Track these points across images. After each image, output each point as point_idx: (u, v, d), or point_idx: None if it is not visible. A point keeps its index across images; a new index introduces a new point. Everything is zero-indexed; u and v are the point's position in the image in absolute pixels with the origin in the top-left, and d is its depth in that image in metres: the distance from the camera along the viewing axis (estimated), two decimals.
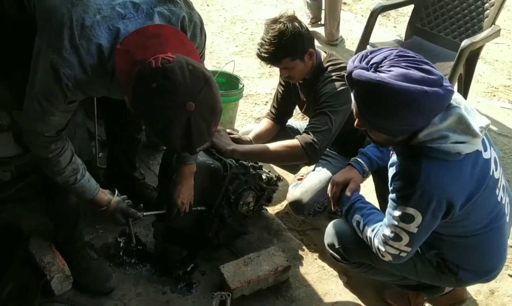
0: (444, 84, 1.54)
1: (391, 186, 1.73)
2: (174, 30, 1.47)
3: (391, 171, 1.75)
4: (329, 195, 2.09)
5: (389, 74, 1.51)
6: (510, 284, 2.50)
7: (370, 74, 1.53)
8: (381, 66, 1.54)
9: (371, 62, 1.56)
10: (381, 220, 1.83)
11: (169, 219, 2.14)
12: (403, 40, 3.92)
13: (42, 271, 2.05)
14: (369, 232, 1.84)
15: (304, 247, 2.53)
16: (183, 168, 2.04)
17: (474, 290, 2.41)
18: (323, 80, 2.37)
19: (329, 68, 2.40)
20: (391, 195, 1.72)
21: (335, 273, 2.37)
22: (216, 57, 4.42)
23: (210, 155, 2.28)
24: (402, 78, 1.49)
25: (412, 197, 1.62)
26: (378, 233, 1.80)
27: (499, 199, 1.79)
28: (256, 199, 2.45)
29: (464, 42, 3.17)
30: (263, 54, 2.32)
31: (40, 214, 2.32)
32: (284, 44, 2.27)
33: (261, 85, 4.10)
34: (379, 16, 3.86)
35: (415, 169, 1.61)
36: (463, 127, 1.60)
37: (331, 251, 2.11)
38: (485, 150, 1.71)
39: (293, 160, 2.46)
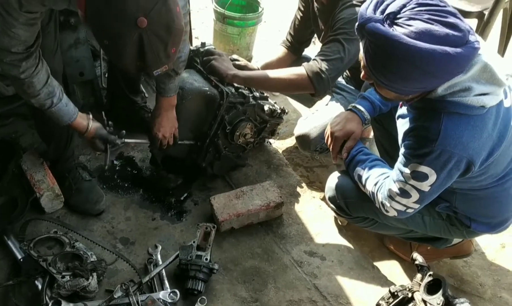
0: (470, 39, 1.31)
1: (403, 141, 1.57)
2: None
3: (402, 125, 1.58)
4: (328, 146, 1.95)
5: (408, 30, 1.28)
6: None
7: (386, 30, 1.30)
8: (399, 18, 1.31)
9: (387, 12, 1.33)
10: (384, 173, 1.70)
11: (154, 150, 2.09)
12: None
13: (32, 188, 2.06)
14: (371, 186, 1.71)
15: (303, 184, 2.43)
16: (163, 99, 1.94)
17: (484, 243, 2.28)
18: (342, 5, 2.15)
19: None
20: (403, 151, 1.56)
21: (332, 213, 2.27)
22: None
23: (207, 81, 2.16)
24: (423, 36, 1.27)
25: (429, 156, 1.46)
26: (382, 187, 1.67)
27: None
28: (257, 131, 2.33)
29: None
30: None
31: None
32: None
33: (287, 11, 3.85)
34: None
35: (433, 125, 1.44)
36: (488, 76, 1.40)
37: (332, 205, 2.01)
38: (506, 97, 1.52)
39: (298, 89, 2.30)
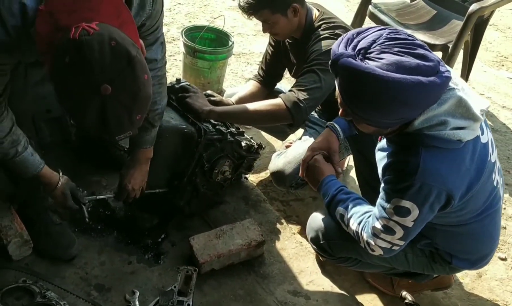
0: (441, 69, 1.36)
1: (383, 176, 1.57)
2: None
3: (382, 159, 1.58)
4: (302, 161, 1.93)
5: (380, 63, 1.31)
6: (499, 267, 2.39)
7: (359, 64, 1.32)
8: (370, 52, 1.34)
9: (358, 47, 1.36)
10: (368, 211, 1.68)
11: (119, 201, 2.08)
12: (410, 1, 3.67)
13: None
14: (355, 226, 1.69)
15: (283, 221, 2.39)
16: (138, 152, 1.90)
17: (462, 273, 2.29)
18: (314, 39, 2.19)
19: (322, 27, 2.21)
20: (384, 187, 1.56)
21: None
22: (211, 11, 4.20)
23: (184, 119, 2.11)
24: (395, 67, 1.30)
25: (410, 190, 1.46)
26: (366, 226, 1.65)
27: (495, 183, 1.66)
28: (234, 167, 2.29)
29: (473, 6, 2.94)
30: (242, 3, 2.16)
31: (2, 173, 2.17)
32: None
33: (255, 43, 3.89)
34: None
35: (412, 159, 1.45)
36: (463, 110, 1.43)
37: (314, 246, 1.97)
38: (482, 133, 1.55)
39: (276, 121, 2.28)
